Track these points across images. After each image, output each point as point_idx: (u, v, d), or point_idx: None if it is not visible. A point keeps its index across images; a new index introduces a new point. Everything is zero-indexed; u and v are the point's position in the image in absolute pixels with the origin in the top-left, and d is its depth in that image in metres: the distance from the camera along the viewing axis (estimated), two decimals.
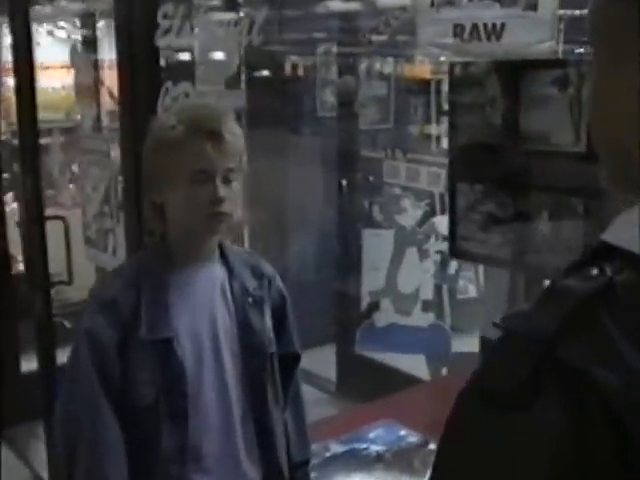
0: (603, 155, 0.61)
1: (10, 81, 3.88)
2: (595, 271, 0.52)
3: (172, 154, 1.48)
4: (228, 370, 1.58)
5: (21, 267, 3.98)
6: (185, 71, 2.73)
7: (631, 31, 0.53)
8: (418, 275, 4.07)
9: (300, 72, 5.03)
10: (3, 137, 4.38)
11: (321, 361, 4.14)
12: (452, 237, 2.50)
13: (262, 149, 3.36)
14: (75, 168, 4.23)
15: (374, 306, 4.24)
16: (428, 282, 4.08)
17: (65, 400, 1.52)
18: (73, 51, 4.05)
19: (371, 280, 4.20)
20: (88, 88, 3.79)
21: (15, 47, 3.40)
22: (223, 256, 1.62)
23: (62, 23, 4.54)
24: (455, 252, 2.57)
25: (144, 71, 2.59)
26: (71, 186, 4.34)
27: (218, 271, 1.60)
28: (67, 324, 3.67)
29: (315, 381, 4.14)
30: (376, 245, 4.16)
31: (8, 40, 3.65)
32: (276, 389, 1.65)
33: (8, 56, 3.68)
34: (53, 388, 3.15)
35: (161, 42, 2.52)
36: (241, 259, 1.66)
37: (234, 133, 1.52)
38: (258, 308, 1.62)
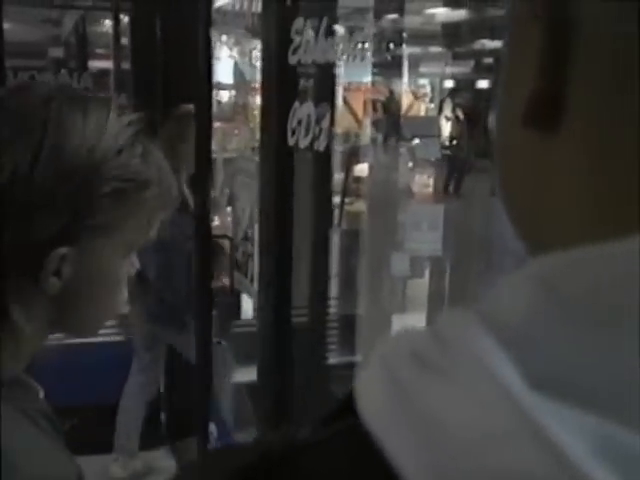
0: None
1: None
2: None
3: None
4: None
5: None
6: (316, 90, 2.52)
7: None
8: None
9: None
10: None
11: None
12: None
13: None
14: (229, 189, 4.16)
15: None
16: None
17: None
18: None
19: None
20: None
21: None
22: None
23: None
24: None
25: (273, 90, 2.43)
26: (228, 209, 4.27)
27: None
28: None
29: None
30: None
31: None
32: None
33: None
34: None
35: (292, 59, 2.34)
36: None
37: None
38: None
